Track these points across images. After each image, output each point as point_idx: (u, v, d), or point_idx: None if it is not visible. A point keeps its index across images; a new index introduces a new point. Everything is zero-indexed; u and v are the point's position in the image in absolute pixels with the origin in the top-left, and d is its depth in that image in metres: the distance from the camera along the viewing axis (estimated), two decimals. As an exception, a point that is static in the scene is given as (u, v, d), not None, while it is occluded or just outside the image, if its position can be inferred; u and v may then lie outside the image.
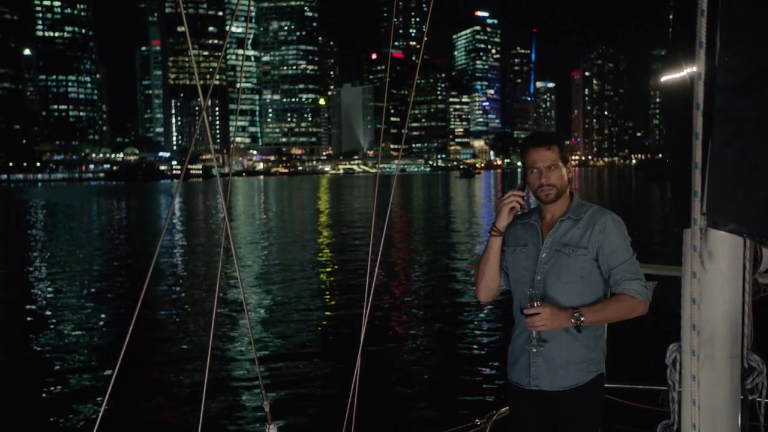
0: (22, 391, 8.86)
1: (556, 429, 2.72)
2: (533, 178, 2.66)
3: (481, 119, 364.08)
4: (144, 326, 11.71)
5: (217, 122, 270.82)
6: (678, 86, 1.70)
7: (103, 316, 13.49)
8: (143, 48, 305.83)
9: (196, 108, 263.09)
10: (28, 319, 13.47)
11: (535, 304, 2.49)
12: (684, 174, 1.63)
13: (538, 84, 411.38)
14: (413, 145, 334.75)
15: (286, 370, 9.47)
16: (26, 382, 9.29)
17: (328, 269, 19.76)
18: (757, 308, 1.92)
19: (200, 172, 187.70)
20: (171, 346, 11.04)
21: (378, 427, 7.17)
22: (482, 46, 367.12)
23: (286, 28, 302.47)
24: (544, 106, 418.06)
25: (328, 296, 15.34)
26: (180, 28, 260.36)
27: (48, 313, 13.96)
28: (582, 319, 2.51)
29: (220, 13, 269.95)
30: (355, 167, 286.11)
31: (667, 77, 1.78)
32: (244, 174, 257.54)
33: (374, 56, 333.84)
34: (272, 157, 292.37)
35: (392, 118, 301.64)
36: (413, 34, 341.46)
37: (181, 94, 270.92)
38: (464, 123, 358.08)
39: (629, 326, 2.68)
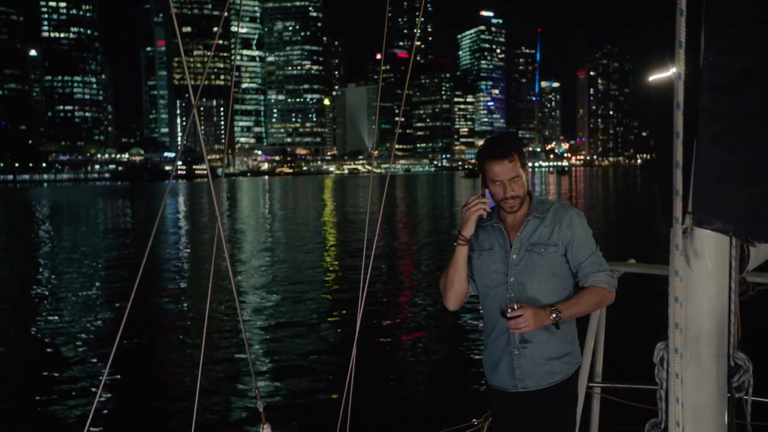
0: (19, 381, 8.84)
1: (538, 427, 2.72)
2: (497, 190, 2.65)
3: (485, 119, 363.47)
4: (138, 325, 11.68)
5: (222, 122, 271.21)
6: (665, 86, 1.72)
7: (101, 314, 13.47)
8: (148, 48, 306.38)
9: (201, 108, 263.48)
10: (31, 316, 13.46)
11: (515, 307, 2.48)
12: (671, 173, 1.66)
13: (543, 84, 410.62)
14: (418, 145, 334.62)
15: (281, 370, 9.43)
16: (22, 373, 9.26)
17: (325, 269, 19.71)
18: (747, 307, 1.92)
19: (205, 172, 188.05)
20: (165, 344, 11.02)
21: (374, 427, 7.11)
22: (487, 45, 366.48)
23: (290, 28, 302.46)
24: (548, 105, 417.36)
25: (323, 296, 15.28)
26: (185, 29, 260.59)
27: (48, 312, 13.95)
28: (560, 315, 2.54)
29: (226, 14, 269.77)
30: (359, 167, 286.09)
31: (655, 77, 1.82)
32: (248, 174, 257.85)
33: (379, 56, 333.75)
34: (277, 158, 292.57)
35: (397, 118, 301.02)
36: (418, 34, 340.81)
37: (186, 95, 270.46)
38: (469, 123, 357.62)
39: (628, 325, 2.58)
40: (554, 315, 2.54)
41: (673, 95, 1.62)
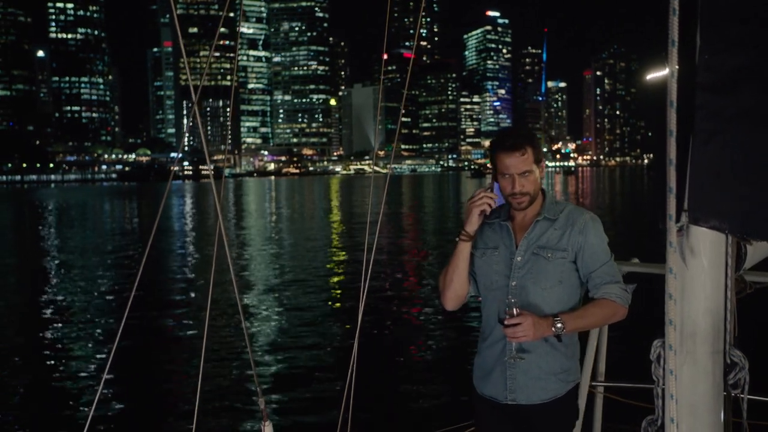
0: (20, 378, 8.89)
1: None
2: (505, 183, 2.50)
3: (492, 119, 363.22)
4: (140, 322, 11.73)
5: (228, 123, 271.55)
6: (661, 85, 1.72)
7: (103, 310, 13.53)
8: (155, 49, 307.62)
9: (208, 108, 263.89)
10: (32, 317, 13.52)
11: (514, 313, 2.32)
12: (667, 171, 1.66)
13: (550, 84, 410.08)
14: (424, 146, 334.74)
15: (283, 369, 9.45)
16: (22, 370, 9.32)
17: (328, 268, 19.73)
18: (747, 304, 1.91)
19: (211, 172, 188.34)
20: (166, 341, 11.05)
21: (373, 425, 7.12)
22: (493, 45, 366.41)
23: (297, 28, 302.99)
24: (555, 105, 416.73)
25: (326, 294, 15.30)
26: (192, 29, 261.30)
27: (50, 312, 14.01)
28: (563, 327, 2.38)
29: (231, 15, 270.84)
30: (366, 167, 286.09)
31: (651, 76, 1.83)
32: (255, 174, 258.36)
33: (385, 56, 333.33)
34: (283, 158, 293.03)
35: (403, 119, 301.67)
36: (424, 34, 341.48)
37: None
38: (475, 123, 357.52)
39: (631, 324, 2.72)
40: (557, 326, 2.37)
41: (667, 94, 1.63)
